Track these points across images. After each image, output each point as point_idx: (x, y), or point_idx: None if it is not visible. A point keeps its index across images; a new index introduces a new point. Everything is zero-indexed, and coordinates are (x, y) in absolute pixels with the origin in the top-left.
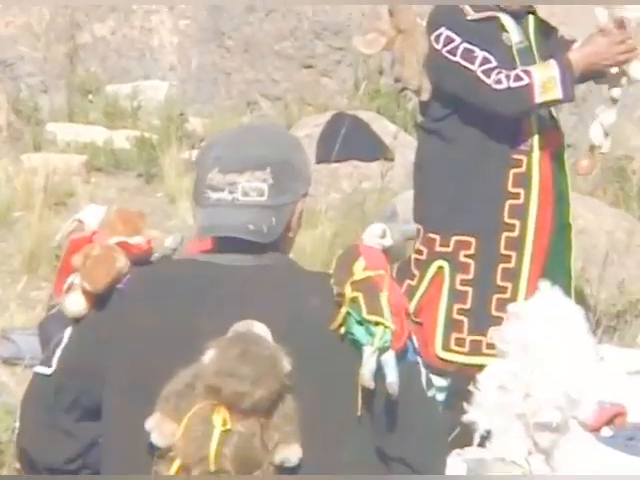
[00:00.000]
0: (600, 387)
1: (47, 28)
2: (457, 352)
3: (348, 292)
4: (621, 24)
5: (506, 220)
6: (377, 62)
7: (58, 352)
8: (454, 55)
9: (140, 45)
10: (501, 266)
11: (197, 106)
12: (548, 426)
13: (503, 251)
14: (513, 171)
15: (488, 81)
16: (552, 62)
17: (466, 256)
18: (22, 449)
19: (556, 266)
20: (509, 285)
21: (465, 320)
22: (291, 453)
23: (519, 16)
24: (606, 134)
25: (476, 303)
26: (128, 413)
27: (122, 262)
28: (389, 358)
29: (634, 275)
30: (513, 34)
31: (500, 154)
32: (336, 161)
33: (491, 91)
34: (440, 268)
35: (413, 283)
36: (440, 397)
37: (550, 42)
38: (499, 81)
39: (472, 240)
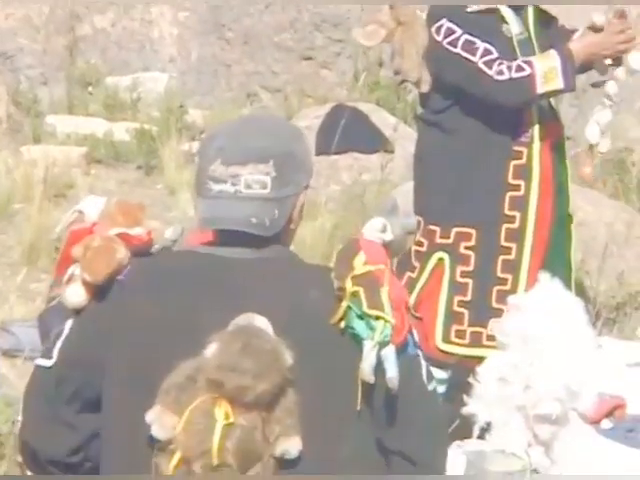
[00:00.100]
0: (600, 379)
1: (47, 20)
2: (457, 344)
3: (349, 286)
4: (622, 14)
5: (506, 212)
6: (377, 54)
7: (59, 344)
8: (455, 47)
9: (140, 37)
10: (501, 258)
11: (197, 98)
12: (548, 418)
13: (503, 243)
14: (513, 163)
15: (490, 72)
16: (553, 52)
17: (466, 248)
18: (24, 442)
19: (556, 258)
20: (509, 277)
21: (465, 312)
22: (291, 445)
23: (518, 7)
24: (602, 133)
25: (476, 295)
26: (128, 405)
27: (122, 253)
28: (389, 353)
29: (633, 267)
30: (513, 25)
31: (500, 146)
32: (336, 153)
33: (493, 82)
34: (440, 260)
35: (413, 275)
36: (440, 389)
37: (550, 32)
38: (501, 72)
39: (472, 232)
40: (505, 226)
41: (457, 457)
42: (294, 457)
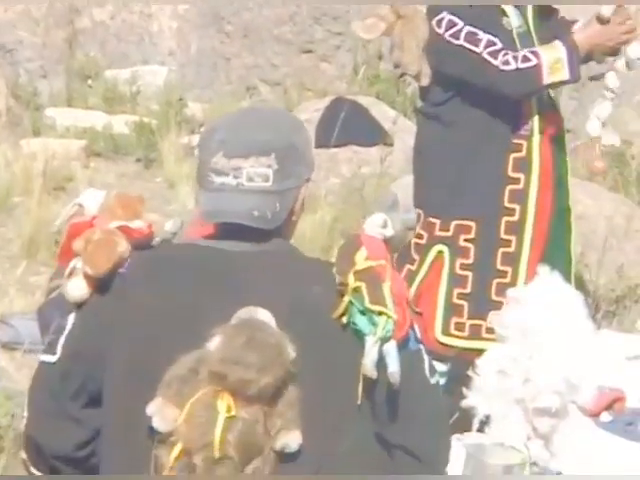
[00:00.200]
0: (599, 372)
1: (46, 13)
2: (457, 336)
3: (351, 281)
4: (620, 5)
5: (506, 205)
6: (376, 47)
7: (62, 339)
8: (457, 39)
9: (139, 30)
10: (501, 250)
11: (196, 91)
12: (547, 411)
13: (503, 235)
14: (513, 156)
15: (495, 62)
16: (558, 43)
17: (466, 240)
18: (30, 437)
19: (556, 251)
20: (509, 269)
21: (465, 304)
22: (292, 439)
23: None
24: (604, 125)
25: (476, 287)
26: (129, 397)
27: (123, 246)
28: (391, 348)
29: (633, 260)
30: (513, 18)
31: (500, 139)
32: (335, 146)
33: (499, 72)
34: (440, 252)
35: (413, 268)
36: (440, 382)
37: (550, 25)
38: (507, 62)
39: (472, 224)
40: (505, 219)
41: (456, 450)
42: (294, 451)
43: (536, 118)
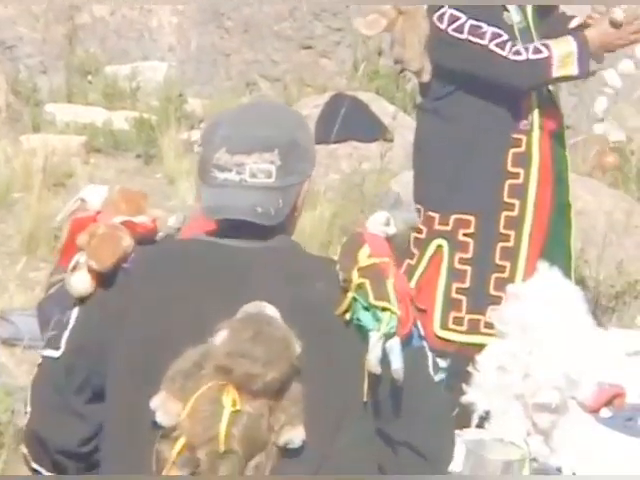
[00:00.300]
0: (599, 368)
1: (46, 9)
2: (455, 331)
3: (355, 278)
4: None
5: (506, 199)
6: (376, 43)
7: (66, 333)
8: (461, 32)
9: (139, 26)
10: (500, 245)
11: (196, 87)
12: (547, 407)
13: (502, 230)
14: (513, 151)
15: (504, 53)
16: (570, 38)
17: (465, 235)
18: (33, 432)
19: (556, 246)
20: (507, 264)
21: (464, 299)
22: (295, 435)
23: None
24: (603, 120)
25: (475, 282)
26: (132, 391)
27: (128, 241)
28: (394, 344)
29: (633, 256)
30: (513, 13)
31: (500, 133)
32: (335, 142)
33: (508, 63)
34: (439, 247)
35: (412, 262)
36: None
37: (549, 21)
38: (518, 52)
39: (471, 219)
40: (504, 213)
41: (456, 446)
42: (297, 447)
43: (536, 113)
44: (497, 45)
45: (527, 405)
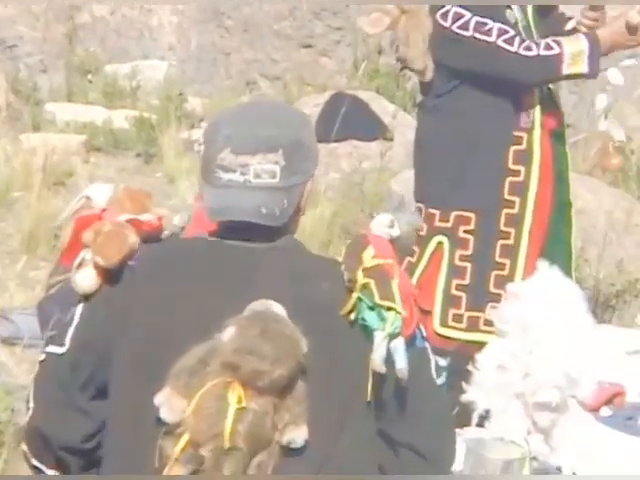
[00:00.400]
0: (599, 367)
1: (46, 8)
2: (455, 328)
3: (360, 278)
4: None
5: (506, 197)
6: (376, 42)
7: (71, 330)
8: (466, 30)
9: (139, 25)
10: (500, 242)
11: (196, 86)
12: (547, 405)
13: (503, 227)
14: (514, 148)
15: (513, 49)
16: (581, 36)
17: (465, 232)
18: (36, 428)
19: (556, 245)
20: (507, 262)
21: (463, 296)
22: (298, 435)
23: None
24: (605, 118)
25: (475, 279)
26: (136, 388)
27: (134, 239)
28: (399, 344)
29: (633, 254)
30: (516, 11)
31: (501, 131)
32: (335, 141)
33: (518, 58)
34: (440, 243)
35: (413, 260)
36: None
37: (548, 22)
38: (528, 48)
39: (472, 216)
40: (505, 211)
41: (457, 446)
42: (299, 446)
43: (537, 111)
44: (505, 41)
45: (527, 404)
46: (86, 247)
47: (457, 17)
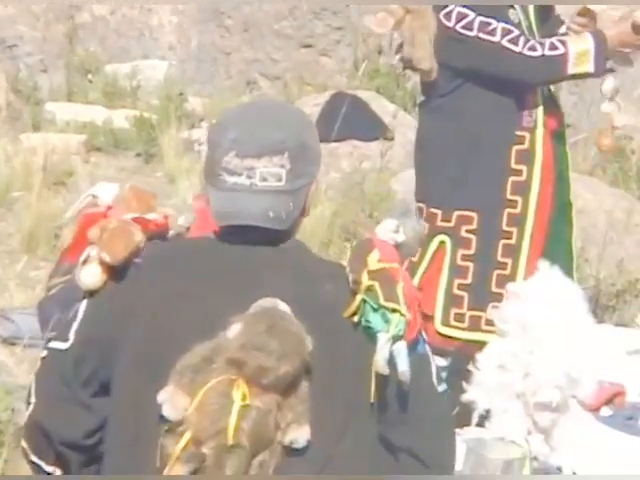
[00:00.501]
0: (599, 367)
1: (46, 8)
2: (456, 328)
3: (364, 280)
4: None
5: (508, 196)
6: (376, 42)
7: (75, 325)
8: (470, 30)
9: (139, 25)
10: (502, 242)
11: (196, 86)
12: (548, 405)
13: (505, 227)
14: (516, 148)
15: (517, 49)
16: (587, 35)
17: (468, 231)
18: (37, 423)
19: (557, 245)
20: (509, 261)
21: (465, 295)
22: (300, 435)
23: None
24: (611, 100)
25: (477, 278)
26: (138, 385)
27: (140, 236)
28: (401, 347)
29: (633, 254)
30: (519, 11)
31: (503, 131)
32: (336, 140)
33: (523, 58)
34: (442, 243)
35: (415, 259)
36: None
37: (549, 25)
38: (533, 47)
39: (474, 215)
40: (507, 211)
41: (457, 448)
42: (301, 446)
43: (540, 111)
44: (510, 41)
45: (528, 404)
46: (92, 244)
47: (461, 17)
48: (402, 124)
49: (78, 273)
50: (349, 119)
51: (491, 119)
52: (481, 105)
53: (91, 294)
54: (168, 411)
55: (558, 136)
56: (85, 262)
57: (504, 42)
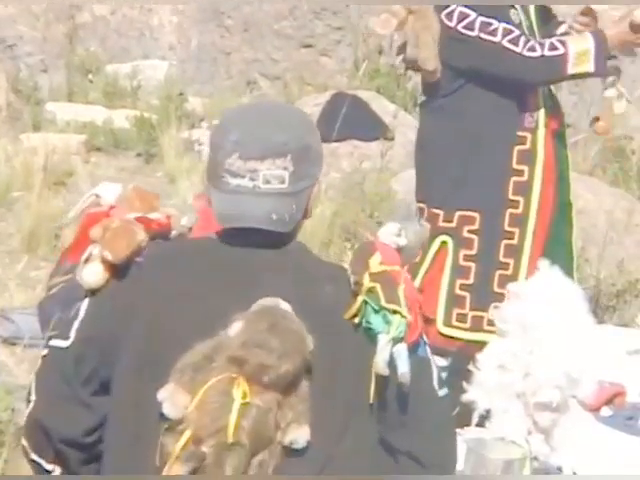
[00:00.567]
0: (600, 367)
1: (46, 8)
2: (458, 328)
3: (366, 282)
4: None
5: (510, 197)
6: (377, 42)
7: (76, 324)
8: (472, 30)
9: (140, 25)
10: (504, 242)
11: (196, 86)
12: (548, 405)
13: (507, 227)
14: (518, 148)
15: (517, 49)
16: (588, 35)
17: (470, 232)
18: (37, 421)
19: (557, 245)
20: (511, 262)
21: (467, 295)
22: (300, 435)
23: None
24: (613, 85)
25: (479, 279)
26: (139, 384)
27: (142, 236)
28: (402, 349)
29: (633, 254)
30: (520, 11)
31: (505, 131)
32: (336, 140)
33: (522, 59)
34: (444, 243)
35: (416, 259)
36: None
37: (549, 27)
38: (533, 48)
39: (476, 215)
40: (509, 211)
41: (457, 448)
42: (301, 447)
43: (541, 111)
44: (510, 41)
45: (528, 404)
46: (94, 242)
47: (462, 17)
48: (402, 124)
49: (80, 271)
50: (349, 119)
51: (493, 119)
52: (483, 105)
53: (93, 293)
54: (168, 409)
55: (559, 136)
56: (87, 260)
57: (505, 42)
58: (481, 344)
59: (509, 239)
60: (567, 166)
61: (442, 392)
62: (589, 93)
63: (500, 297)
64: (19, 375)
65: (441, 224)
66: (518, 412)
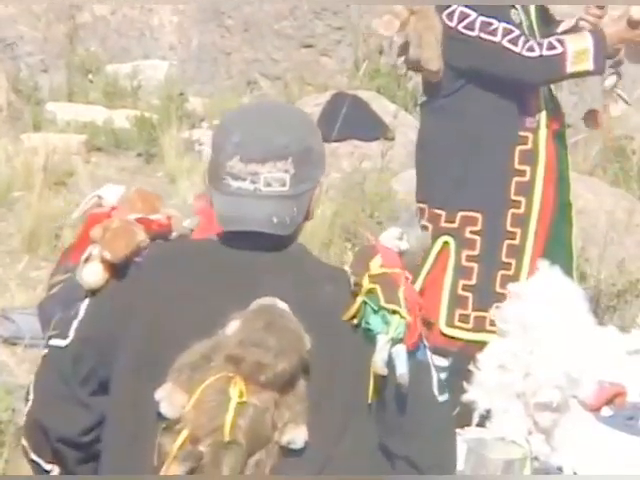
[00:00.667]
0: (600, 367)
1: (47, 8)
2: (461, 328)
3: (366, 283)
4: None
5: (512, 197)
6: (377, 42)
7: (75, 323)
8: (472, 30)
9: (140, 25)
10: (506, 242)
11: (197, 86)
12: (548, 405)
13: (509, 228)
14: (519, 148)
15: (517, 49)
16: (586, 34)
17: (472, 232)
18: (35, 420)
19: (557, 245)
20: (513, 262)
21: (470, 296)
22: (298, 435)
23: None
24: (617, 76)
25: (481, 279)
26: (137, 384)
27: (142, 236)
28: (400, 350)
29: (634, 254)
30: (520, 11)
31: (507, 131)
32: (336, 140)
33: (521, 59)
34: (446, 243)
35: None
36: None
37: (550, 28)
38: (531, 48)
39: (478, 216)
40: (511, 211)
41: (457, 445)
42: (299, 447)
43: (543, 112)
44: (510, 41)
45: (528, 404)
46: (94, 242)
47: (463, 17)
48: (403, 124)
49: (80, 271)
50: (350, 119)
51: (494, 120)
52: (484, 105)
53: (93, 293)
54: (166, 408)
55: (559, 137)
56: (87, 260)
57: (505, 42)
58: (482, 344)
59: (511, 239)
60: (567, 166)
61: (442, 398)
62: (589, 93)
63: (502, 297)
64: (20, 375)
65: (443, 225)
66: (518, 412)
